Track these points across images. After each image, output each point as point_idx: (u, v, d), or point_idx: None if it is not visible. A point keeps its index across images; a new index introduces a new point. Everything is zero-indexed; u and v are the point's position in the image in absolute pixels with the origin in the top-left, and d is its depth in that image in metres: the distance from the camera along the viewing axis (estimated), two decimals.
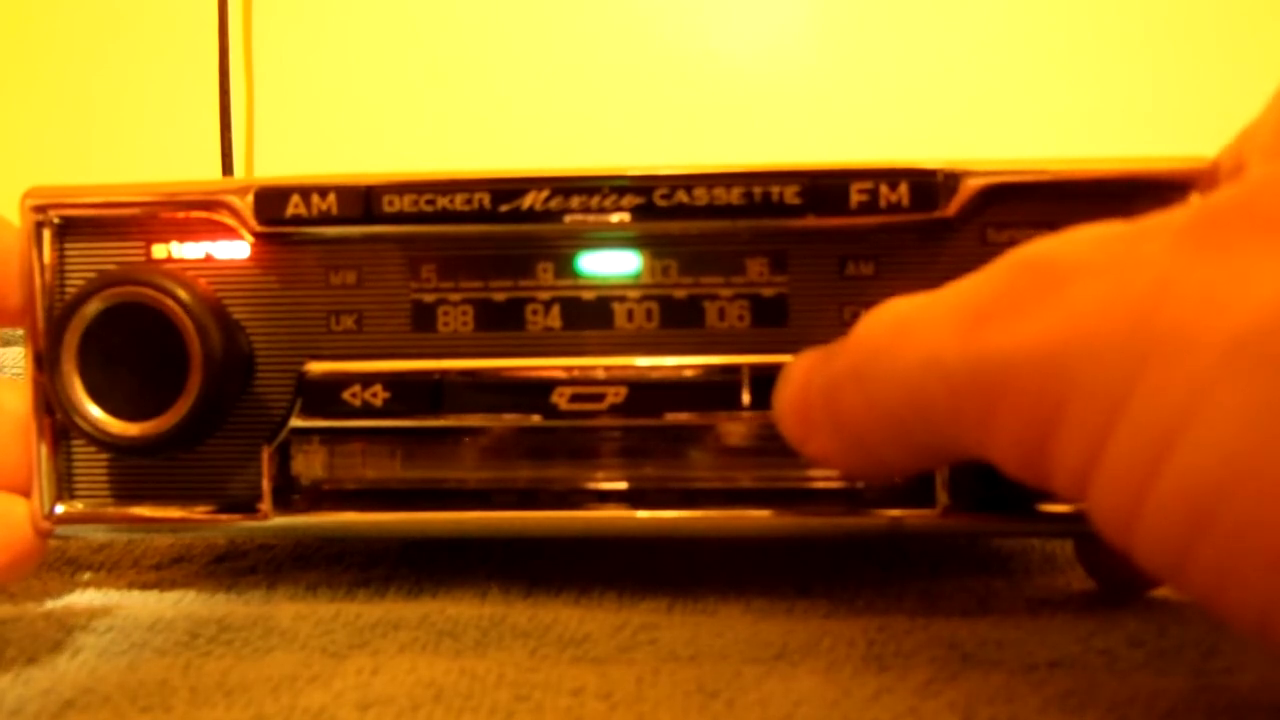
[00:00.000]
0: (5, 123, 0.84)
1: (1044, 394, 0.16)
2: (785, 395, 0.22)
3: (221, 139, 0.78)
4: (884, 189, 0.25)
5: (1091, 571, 0.27)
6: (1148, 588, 0.26)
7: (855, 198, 0.25)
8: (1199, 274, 0.14)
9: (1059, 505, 0.24)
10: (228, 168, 0.78)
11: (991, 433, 0.17)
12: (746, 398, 0.25)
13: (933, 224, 0.25)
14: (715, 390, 0.25)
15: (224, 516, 0.26)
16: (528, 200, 0.25)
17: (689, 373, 0.25)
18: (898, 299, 0.19)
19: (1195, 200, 0.15)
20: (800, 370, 0.22)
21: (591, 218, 0.25)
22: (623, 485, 0.26)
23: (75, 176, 0.28)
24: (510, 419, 0.25)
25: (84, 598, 0.28)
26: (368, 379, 0.25)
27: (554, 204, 0.25)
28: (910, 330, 0.18)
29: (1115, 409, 0.15)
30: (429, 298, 0.26)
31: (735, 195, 0.25)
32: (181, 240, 0.26)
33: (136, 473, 0.27)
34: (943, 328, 0.18)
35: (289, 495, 0.26)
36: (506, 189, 0.25)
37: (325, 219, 0.26)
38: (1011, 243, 0.24)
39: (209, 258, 0.26)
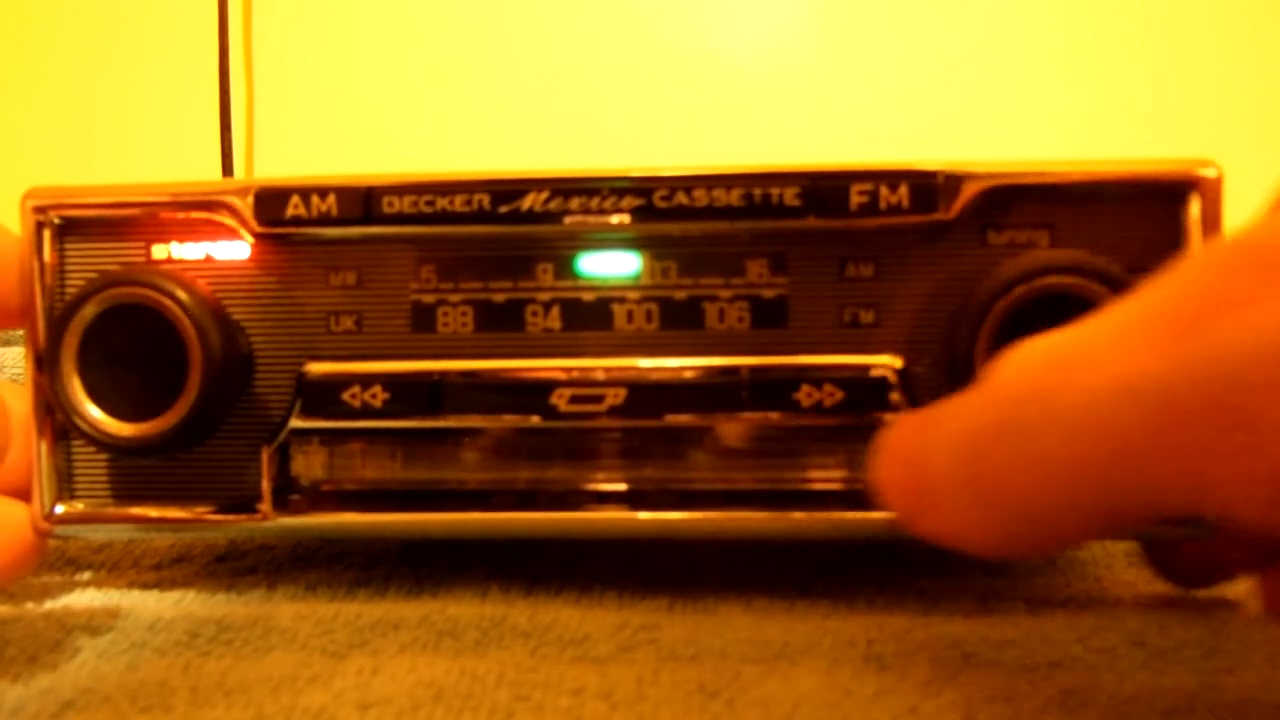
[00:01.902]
0: (5, 123, 0.84)
1: None
2: (885, 472, 0.20)
3: (221, 139, 0.78)
4: (884, 190, 0.25)
5: (1164, 573, 0.26)
6: (1225, 580, 0.25)
7: (855, 199, 0.25)
8: None
9: None
10: (228, 168, 0.78)
11: (1226, 464, 0.13)
12: (746, 399, 0.25)
13: (933, 226, 0.25)
14: (715, 392, 0.25)
15: (224, 517, 0.26)
16: (527, 201, 0.25)
17: (689, 374, 0.25)
18: (1030, 341, 0.16)
19: None
20: (896, 440, 0.19)
21: (591, 219, 0.25)
22: (622, 486, 0.26)
23: (75, 176, 0.28)
24: (510, 420, 0.26)
25: (84, 598, 0.28)
26: (367, 380, 0.25)
27: (554, 205, 0.25)
28: (1070, 364, 0.15)
29: None
30: (429, 298, 0.26)
31: (735, 197, 0.25)
32: (181, 241, 0.26)
33: (136, 473, 0.27)
34: (1128, 346, 0.14)
35: (289, 496, 0.26)
36: (506, 190, 0.25)
37: (325, 220, 0.26)
38: (1012, 244, 0.24)
39: (209, 258, 0.26)
